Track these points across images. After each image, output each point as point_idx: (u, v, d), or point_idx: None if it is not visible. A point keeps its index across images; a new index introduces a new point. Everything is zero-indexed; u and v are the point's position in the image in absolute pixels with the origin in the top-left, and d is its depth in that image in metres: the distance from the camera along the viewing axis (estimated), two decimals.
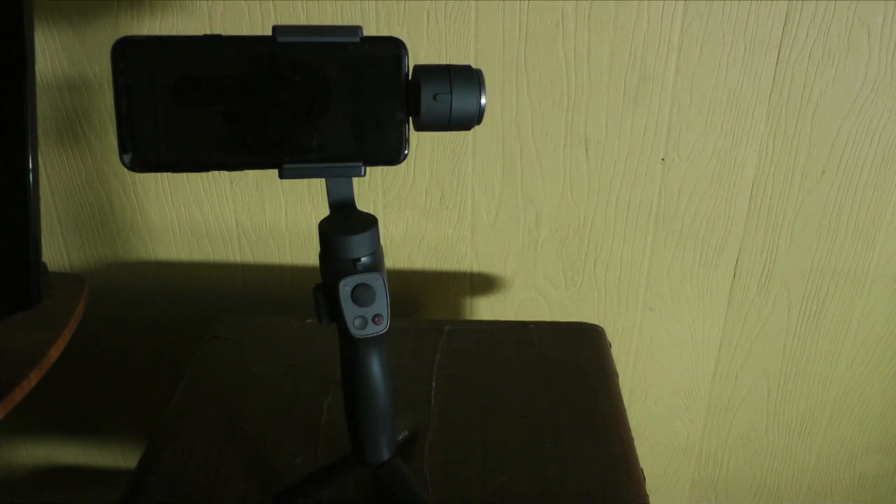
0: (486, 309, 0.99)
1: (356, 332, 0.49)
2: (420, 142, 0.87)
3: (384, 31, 0.81)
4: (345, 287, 0.48)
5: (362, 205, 0.90)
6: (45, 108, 0.86)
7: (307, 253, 0.94)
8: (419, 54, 0.82)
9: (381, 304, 0.49)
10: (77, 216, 0.93)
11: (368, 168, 0.49)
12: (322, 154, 0.48)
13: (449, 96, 0.47)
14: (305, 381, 0.75)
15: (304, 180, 0.90)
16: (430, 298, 0.98)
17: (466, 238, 0.93)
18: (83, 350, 1.02)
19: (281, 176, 0.47)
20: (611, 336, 0.98)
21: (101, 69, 0.84)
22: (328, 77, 0.46)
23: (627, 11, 0.79)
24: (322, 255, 0.49)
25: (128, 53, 0.44)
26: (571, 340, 0.82)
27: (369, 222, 0.49)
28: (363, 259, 0.48)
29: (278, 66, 0.46)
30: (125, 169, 0.46)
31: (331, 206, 0.50)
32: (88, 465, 1.14)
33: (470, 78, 0.48)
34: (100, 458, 1.14)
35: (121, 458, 1.14)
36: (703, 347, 1.01)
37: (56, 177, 0.90)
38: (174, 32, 0.81)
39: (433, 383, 0.75)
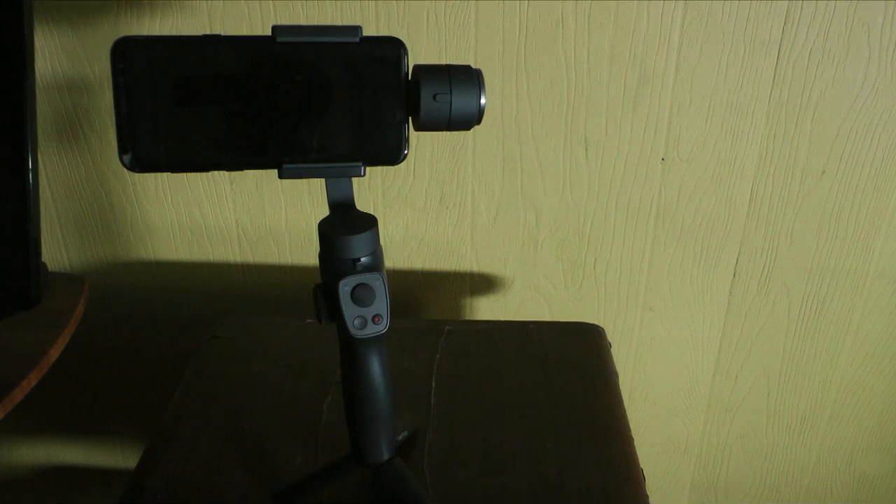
0: (486, 309, 0.99)
1: (356, 332, 0.49)
2: (420, 142, 0.87)
3: (384, 31, 0.81)
4: (344, 287, 0.48)
5: (362, 205, 0.90)
6: (45, 108, 0.86)
7: (307, 253, 0.94)
8: (419, 54, 0.82)
9: (381, 304, 0.49)
10: (77, 216, 0.93)
11: (368, 168, 0.49)
12: (322, 154, 0.47)
13: (449, 96, 0.47)
14: (305, 381, 0.75)
15: (304, 180, 0.89)
16: (430, 298, 0.98)
17: (466, 238, 0.93)
18: (83, 350, 1.02)
19: (280, 176, 0.47)
20: (611, 336, 0.98)
21: (101, 69, 0.84)
22: (328, 77, 0.46)
23: (627, 11, 0.79)
24: (322, 255, 0.49)
25: (127, 53, 0.44)
26: (571, 340, 0.82)
27: (369, 222, 0.48)
28: (363, 259, 0.48)
29: (278, 66, 0.46)
30: (125, 169, 0.46)
31: (330, 206, 0.50)
32: (88, 465, 1.14)
33: (470, 78, 0.47)
34: (100, 458, 1.14)
35: (121, 458, 1.14)
36: (703, 347, 1.01)
37: (56, 177, 0.90)
38: (174, 32, 0.81)
39: (433, 383, 0.75)
